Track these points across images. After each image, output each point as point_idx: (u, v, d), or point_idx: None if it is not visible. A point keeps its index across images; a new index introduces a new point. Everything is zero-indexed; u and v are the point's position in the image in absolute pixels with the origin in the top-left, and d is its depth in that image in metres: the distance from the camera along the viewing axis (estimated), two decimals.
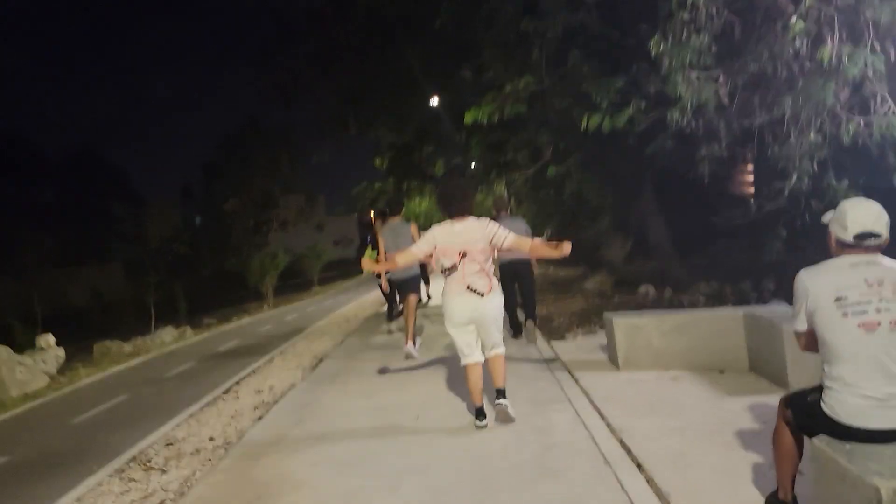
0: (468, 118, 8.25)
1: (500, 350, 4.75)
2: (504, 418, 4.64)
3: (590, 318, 9.71)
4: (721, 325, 5.77)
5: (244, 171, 27.95)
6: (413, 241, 5.42)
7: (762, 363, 5.33)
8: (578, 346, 7.48)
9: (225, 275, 30.77)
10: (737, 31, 6.40)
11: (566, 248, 4.38)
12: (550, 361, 6.82)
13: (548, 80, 7.90)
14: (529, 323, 7.99)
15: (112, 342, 13.70)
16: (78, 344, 15.72)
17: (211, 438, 5.67)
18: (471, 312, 4.53)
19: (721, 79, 6.35)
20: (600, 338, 7.86)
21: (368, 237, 10.45)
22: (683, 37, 6.11)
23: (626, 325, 6.15)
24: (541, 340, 8.23)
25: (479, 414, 4.67)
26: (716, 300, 10.40)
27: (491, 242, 4.52)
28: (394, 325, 9.99)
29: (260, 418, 5.97)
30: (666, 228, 11.99)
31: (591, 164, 9.68)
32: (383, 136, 12.31)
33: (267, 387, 7.58)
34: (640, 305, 10.36)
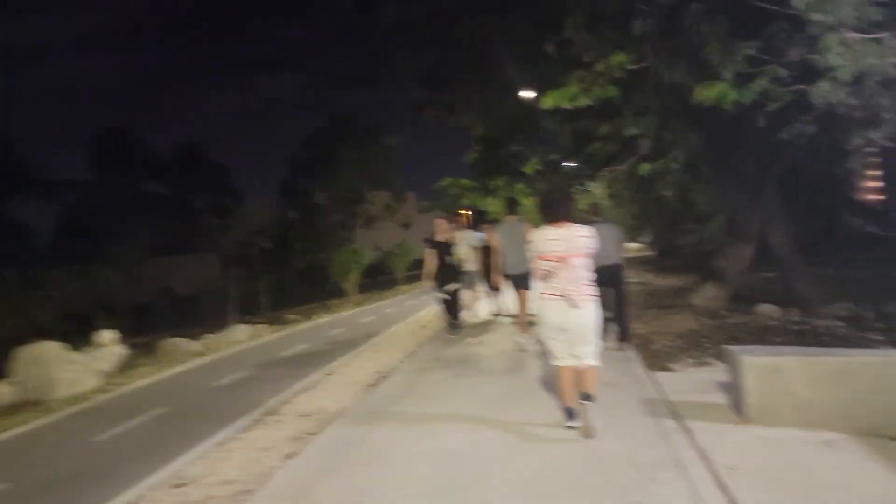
0: (547, 102, 6.89)
1: (592, 363, 4.67)
2: (587, 433, 4.57)
3: (700, 344, 8.16)
4: (894, 375, 4.24)
5: (333, 167, 27.67)
6: (526, 240, 5.29)
7: None
8: (689, 382, 6.03)
9: (314, 270, 30.74)
10: None
11: None
12: (652, 402, 5.45)
13: (652, 56, 6.46)
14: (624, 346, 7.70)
15: (181, 339, 13.37)
16: (156, 335, 15.66)
17: (226, 483, 4.71)
18: (563, 321, 4.51)
19: (889, 44, 4.75)
20: (715, 372, 6.38)
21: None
22: None
23: (761, 367, 4.69)
24: (638, 368, 6.85)
25: (570, 414, 4.70)
26: (856, 326, 8.56)
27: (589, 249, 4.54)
28: (472, 338, 9.35)
29: (293, 455, 4.98)
30: (791, 236, 10.16)
31: (704, 157, 8.05)
32: (472, 126, 11.08)
33: (314, 410, 6.62)
34: (763, 330, 8.67)
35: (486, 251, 10.59)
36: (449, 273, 9.50)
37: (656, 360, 7.49)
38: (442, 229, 9.52)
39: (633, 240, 31.73)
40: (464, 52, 9.11)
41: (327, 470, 4.34)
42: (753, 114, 5.82)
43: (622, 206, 23.11)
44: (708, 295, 10.10)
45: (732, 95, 5.27)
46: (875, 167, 30.51)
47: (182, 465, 5.37)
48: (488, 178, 13.46)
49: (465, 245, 10.50)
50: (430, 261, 9.45)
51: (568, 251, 4.48)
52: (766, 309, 9.62)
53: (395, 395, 6.41)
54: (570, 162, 12.01)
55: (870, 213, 28.85)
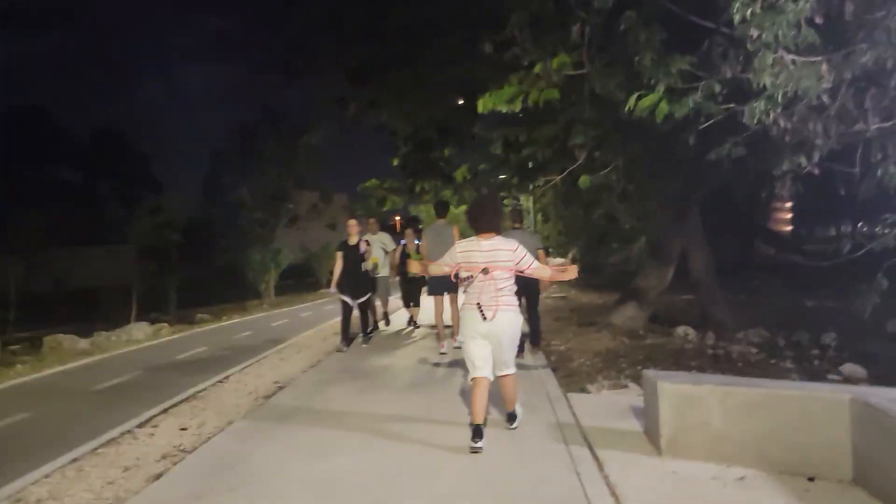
0: (483, 105, 6.48)
1: (510, 371, 4.78)
2: None
3: (617, 364, 7.96)
4: (815, 409, 4.01)
5: (256, 163, 26.51)
6: (454, 243, 5.14)
7: (877, 475, 3.61)
8: (604, 406, 5.73)
9: (233, 269, 29.36)
10: (848, 7, 4.67)
11: (572, 273, 4.75)
12: (565, 427, 5.11)
13: (590, 64, 6.19)
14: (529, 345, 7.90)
15: (69, 336, 12.23)
16: (48, 330, 14.34)
17: None
18: (483, 330, 4.57)
19: (824, 68, 4.60)
20: (632, 395, 6.14)
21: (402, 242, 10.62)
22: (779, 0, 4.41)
23: (676, 395, 4.41)
24: (554, 387, 6.54)
25: (476, 433, 4.52)
26: (768, 353, 8.58)
27: (516, 265, 4.62)
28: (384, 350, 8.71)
29: (159, 476, 4.34)
30: (710, 260, 10.18)
31: (631, 176, 7.86)
32: (397, 125, 10.49)
33: (195, 424, 5.93)
34: (679, 352, 8.56)
35: (403, 258, 10.10)
36: (358, 279, 8.87)
37: (573, 379, 7.23)
38: (354, 232, 8.91)
39: (561, 255, 31.98)
40: (394, 47, 8.62)
41: (194, 496, 3.75)
42: (684, 131, 5.60)
43: (550, 220, 23.17)
44: (627, 314, 9.98)
45: (665, 108, 5.02)
46: (788, 197, 31.95)
47: (24, 485, 4.58)
48: (415, 181, 12.91)
49: (379, 249, 10.08)
50: (339, 265, 8.77)
51: (492, 263, 4.56)
52: (683, 331, 9.57)
53: (289, 409, 5.84)
54: (501, 173, 11.66)
55: (782, 241, 30.18)
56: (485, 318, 4.50)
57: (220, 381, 7.65)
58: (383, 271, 10.32)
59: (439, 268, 4.88)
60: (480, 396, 4.62)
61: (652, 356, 8.37)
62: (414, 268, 5.22)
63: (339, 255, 8.74)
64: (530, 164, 8.20)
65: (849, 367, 7.27)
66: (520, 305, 6.91)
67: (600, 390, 6.46)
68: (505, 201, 17.85)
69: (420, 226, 11.87)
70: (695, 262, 9.91)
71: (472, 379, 4.69)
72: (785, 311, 13.69)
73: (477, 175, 13.88)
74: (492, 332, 4.57)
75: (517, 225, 8.40)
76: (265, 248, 27.01)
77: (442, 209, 9.09)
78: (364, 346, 8.79)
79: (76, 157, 37.08)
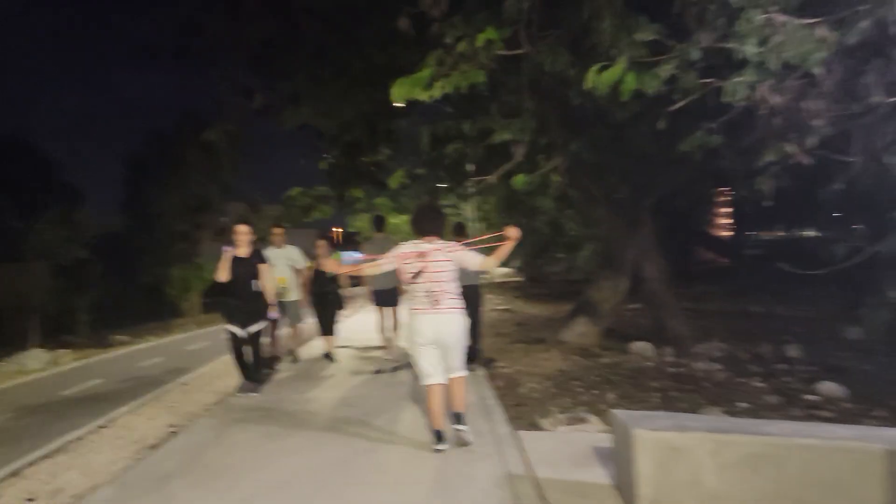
0: (396, 93, 5.36)
1: (461, 373, 4.85)
2: (461, 443, 4.77)
3: (572, 389, 7.02)
4: (837, 464, 3.12)
5: (177, 170, 24.56)
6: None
7: None
8: (562, 448, 4.74)
9: (158, 285, 27.29)
10: None
11: (513, 233, 4.59)
12: (517, 479, 4.10)
13: (528, 44, 5.23)
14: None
15: None
16: None
17: None
18: (433, 333, 4.61)
19: (824, 31, 3.76)
20: (592, 433, 5.19)
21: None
22: None
23: (657, 445, 3.44)
24: (500, 423, 5.54)
25: (439, 437, 4.73)
26: (734, 370, 7.81)
27: (460, 263, 4.68)
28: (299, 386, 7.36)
29: None
30: (664, 269, 9.41)
31: (577, 174, 6.94)
32: (319, 123, 9.19)
33: (48, 492, 4.62)
34: (638, 372, 7.72)
35: (324, 274, 8.65)
36: (249, 302, 6.75)
37: (523, 410, 6.25)
38: (244, 241, 6.81)
39: (504, 266, 31.29)
40: (302, 27, 7.45)
41: None
42: (642, 119, 4.70)
43: (492, 228, 22.35)
44: (579, 330, 9.08)
45: (632, 82, 4.07)
46: (768, 195, 31.84)
47: None
48: (345, 188, 11.71)
49: (286, 267, 8.52)
50: (223, 272, 6.86)
51: (435, 265, 4.58)
52: (640, 347, 8.75)
53: (173, 467, 4.63)
54: (429, 171, 10.59)
55: (723, 246, 30.23)
56: (439, 315, 4.55)
57: (103, 426, 6.29)
58: (291, 294, 8.65)
59: (377, 267, 4.84)
60: (437, 403, 4.74)
61: (608, 377, 7.51)
62: (331, 266, 5.18)
63: (225, 267, 6.64)
64: (458, 161, 7.11)
65: (826, 387, 6.54)
66: None
67: (556, 426, 5.48)
68: (446, 210, 16.90)
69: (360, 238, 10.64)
70: (649, 271, 9.11)
71: (427, 387, 4.77)
72: (735, 319, 13.15)
73: (415, 180, 12.84)
74: (441, 335, 4.60)
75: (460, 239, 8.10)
76: (188, 263, 25.06)
77: (379, 223, 8.82)
78: (255, 394, 6.80)
79: None
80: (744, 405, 6.09)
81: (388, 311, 8.94)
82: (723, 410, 5.89)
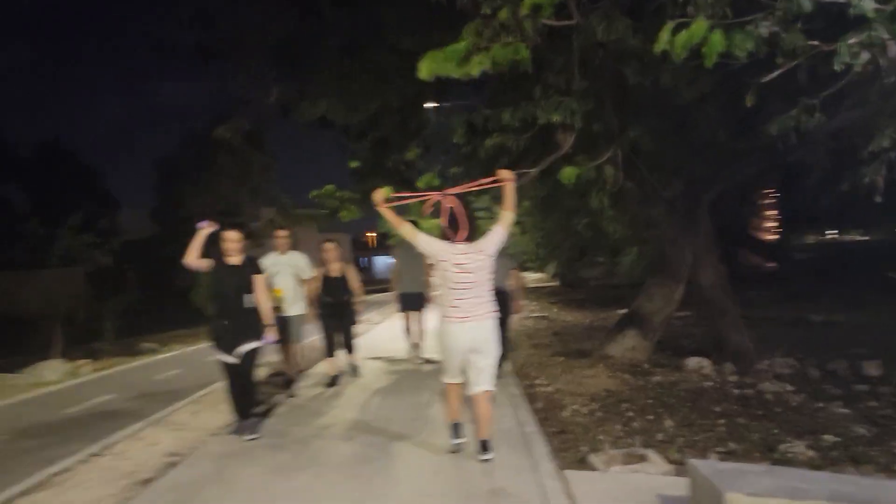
0: (426, 69, 4.56)
1: (489, 387, 4.58)
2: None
3: (622, 413, 6.17)
4: None
5: (208, 175, 24.26)
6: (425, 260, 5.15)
7: None
8: (619, 497, 3.91)
9: (187, 292, 27.05)
10: None
11: (505, 174, 4.46)
12: None
13: (579, 14, 4.42)
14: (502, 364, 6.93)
15: None
16: None
17: None
18: (468, 342, 4.42)
19: None
20: (654, 475, 4.34)
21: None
22: None
23: None
24: (543, 457, 4.74)
25: (456, 430, 4.74)
26: (806, 391, 6.83)
27: (493, 255, 4.50)
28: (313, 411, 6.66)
29: None
30: (723, 274, 8.46)
31: (633, 167, 6.07)
32: (341, 118, 8.46)
33: None
34: (697, 393, 6.82)
35: (334, 282, 7.56)
36: (239, 320, 5.62)
37: (567, 438, 5.44)
38: (234, 248, 5.70)
39: (539, 270, 30.31)
40: (328, 15, 6.78)
41: None
42: (722, 93, 3.84)
43: (527, 232, 21.45)
44: (628, 345, 8.17)
45: (719, 42, 3.20)
46: (769, 201, 30.40)
47: None
48: (371, 187, 11.01)
49: (288, 276, 7.38)
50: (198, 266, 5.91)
51: (469, 268, 4.39)
52: (696, 363, 7.83)
53: None
54: (464, 168, 9.79)
55: (769, 250, 28.79)
56: (475, 325, 4.40)
57: (96, 454, 5.65)
58: (294, 308, 7.44)
59: (413, 233, 4.56)
60: (455, 397, 4.74)
61: (664, 399, 6.63)
62: (378, 197, 4.68)
63: (196, 247, 5.52)
64: (498, 155, 6.29)
65: None
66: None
67: (609, 464, 4.63)
68: (479, 214, 16.09)
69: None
70: (706, 277, 8.18)
71: (447, 384, 4.75)
72: (794, 329, 12.06)
73: (447, 181, 12.13)
74: (475, 343, 4.42)
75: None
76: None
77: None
78: (253, 437, 5.57)
79: (16, 172, 34.19)
80: (831, 438, 5.16)
81: (414, 315, 8.90)
82: (806, 445, 4.97)
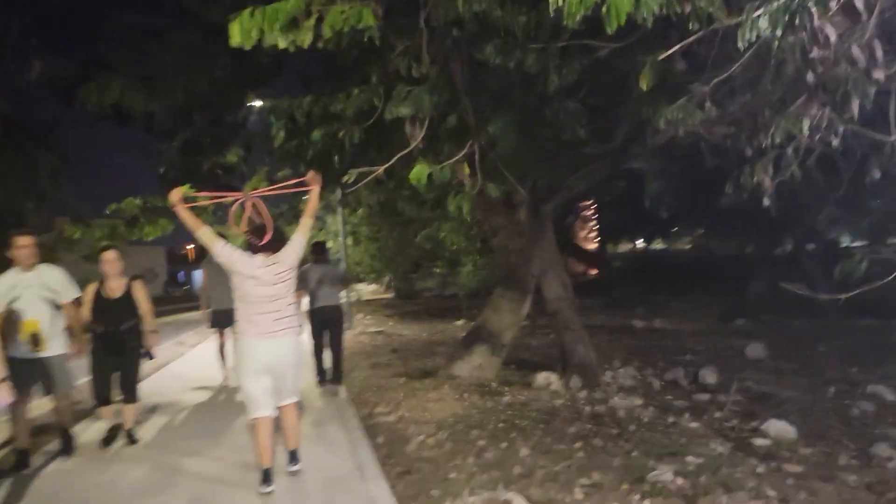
0: (237, 33, 3.49)
1: (293, 399, 4.49)
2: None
3: (473, 442, 5.51)
4: None
5: None
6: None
7: None
8: None
9: None
10: None
11: (313, 178, 4.36)
12: None
13: None
14: (337, 388, 7.75)
15: None
16: None
17: None
18: (269, 358, 4.17)
19: None
20: None
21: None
22: None
23: None
24: None
25: (266, 477, 4.25)
26: (655, 404, 6.64)
27: (293, 263, 4.33)
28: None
29: None
30: (568, 285, 8.21)
31: (490, 167, 5.42)
32: (136, 105, 6.94)
33: None
34: (551, 413, 6.36)
35: (111, 305, 5.57)
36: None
37: (416, 485, 4.63)
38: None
39: (374, 282, 29.49)
40: None
41: None
42: (595, 81, 3.27)
43: (360, 242, 20.54)
44: (475, 363, 7.56)
45: (626, 1, 2.54)
46: (588, 214, 32.11)
47: None
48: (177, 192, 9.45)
49: (36, 300, 5.08)
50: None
51: (271, 281, 4.16)
52: (545, 379, 7.43)
53: None
54: (291, 170, 8.68)
55: (589, 257, 30.42)
56: (275, 340, 4.16)
57: None
58: (54, 346, 5.19)
59: (212, 239, 4.19)
60: (265, 436, 4.29)
61: (516, 422, 6.09)
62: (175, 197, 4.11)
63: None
64: (334, 157, 5.32)
65: (774, 426, 5.48)
66: (321, 341, 7.79)
67: None
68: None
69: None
70: (550, 289, 7.85)
71: (254, 419, 4.27)
72: (623, 336, 12.39)
73: (274, 183, 10.85)
74: (275, 359, 4.20)
75: (321, 257, 7.96)
76: None
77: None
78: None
79: None
80: (693, 460, 4.85)
81: (230, 334, 7.98)
82: (673, 471, 4.60)
